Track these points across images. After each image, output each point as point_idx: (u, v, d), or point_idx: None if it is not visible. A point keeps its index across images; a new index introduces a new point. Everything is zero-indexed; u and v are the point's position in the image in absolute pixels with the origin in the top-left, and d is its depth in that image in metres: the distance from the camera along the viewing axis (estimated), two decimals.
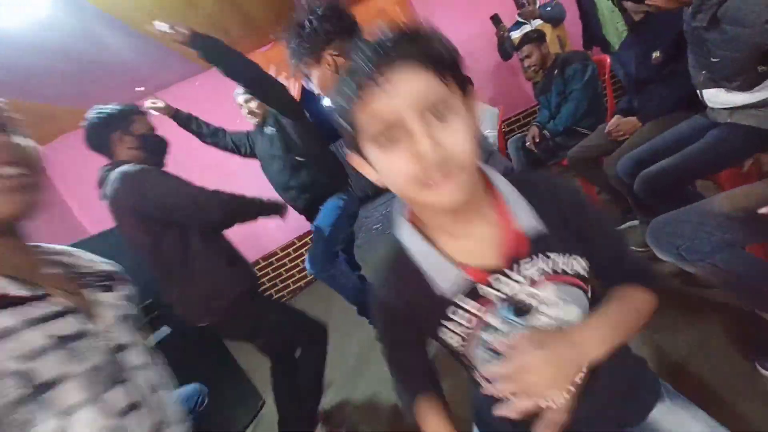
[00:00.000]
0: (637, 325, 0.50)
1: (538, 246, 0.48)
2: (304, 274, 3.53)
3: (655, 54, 1.52)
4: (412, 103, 0.40)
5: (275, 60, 3.44)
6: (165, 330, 1.59)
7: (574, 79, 2.04)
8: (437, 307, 0.49)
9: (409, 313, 0.53)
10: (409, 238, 0.51)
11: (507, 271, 0.48)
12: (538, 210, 0.49)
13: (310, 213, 1.86)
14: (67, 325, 0.51)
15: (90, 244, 1.61)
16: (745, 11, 0.94)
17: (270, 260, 3.45)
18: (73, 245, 1.08)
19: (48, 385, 0.45)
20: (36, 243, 0.59)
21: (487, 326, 0.49)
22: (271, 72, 3.40)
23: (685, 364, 1.11)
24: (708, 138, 1.21)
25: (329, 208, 1.74)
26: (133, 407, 0.54)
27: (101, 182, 1.29)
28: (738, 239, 0.87)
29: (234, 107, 3.34)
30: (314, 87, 1.16)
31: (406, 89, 0.40)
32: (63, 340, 0.49)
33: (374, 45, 0.41)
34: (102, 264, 0.69)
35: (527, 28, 2.90)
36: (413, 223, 0.51)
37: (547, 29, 2.77)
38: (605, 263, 0.53)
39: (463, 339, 0.50)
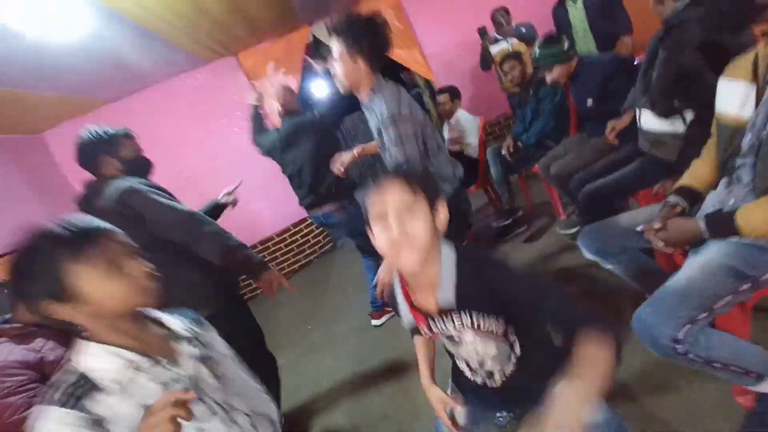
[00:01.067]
0: (599, 378, 0.55)
1: (457, 307, 0.73)
2: (298, 258, 3.79)
3: (589, 101, 1.87)
4: (394, 206, 0.67)
5: (274, 56, 3.60)
6: None
7: (545, 100, 2.33)
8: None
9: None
10: (395, 284, 0.84)
11: (438, 318, 0.76)
12: (463, 283, 0.72)
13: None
14: (169, 374, 0.68)
15: None
16: (687, 35, 1.22)
17: (266, 245, 3.68)
18: None
19: None
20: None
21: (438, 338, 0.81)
22: (270, 68, 3.59)
23: None
24: (633, 165, 1.53)
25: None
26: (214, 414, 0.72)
27: (90, 195, 1.40)
28: (635, 246, 1.18)
29: (229, 98, 3.56)
30: (339, 80, 1.31)
31: (393, 196, 0.67)
32: (166, 385, 0.66)
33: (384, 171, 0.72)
34: (185, 327, 0.79)
35: (504, 44, 3.17)
36: (398, 275, 0.82)
37: (522, 47, 3.04)
38: (549, 318, 0.70)
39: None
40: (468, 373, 0.85)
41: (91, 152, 1.39)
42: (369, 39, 1.25)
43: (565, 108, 2.37)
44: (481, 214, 3.13)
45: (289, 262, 3.77)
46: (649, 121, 1.47)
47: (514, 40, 3.07)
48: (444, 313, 0.75)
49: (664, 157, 1.42)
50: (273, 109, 2.48)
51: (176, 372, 0.69)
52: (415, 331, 0.86)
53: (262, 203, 3.60)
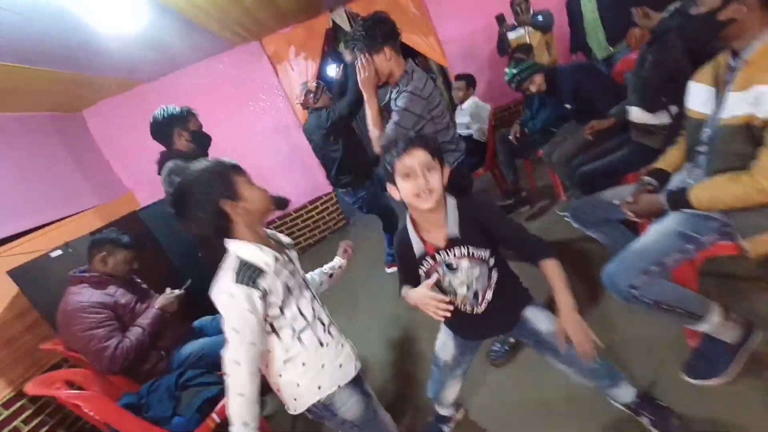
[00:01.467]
0: (563, 282, 0.93)
1: (457, 242, 0.98)
2: (314, 233, 4.06)
3: (567, 106, 2.17)
4: (420, 164, 0.92)
5: (295, 41, 3.77)
6: None
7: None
8: (415, 259, 1.04)
9: (405, 258, 1.07)
10: (408, 227, 1.04)
11: (443, 250, 1.00)
12: (463, 221, 0.98)
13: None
14: (290, 267, 0.99)
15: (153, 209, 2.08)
16: (671, 43, 1.42)
17: (284, 219, 3.95)
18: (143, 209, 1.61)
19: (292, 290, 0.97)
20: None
21: (438, 271, 1.04)
22: (291, 52, 3.76)
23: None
24: (623, 151, 1.73)
25: None
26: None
27: (160, 165, 1.74)
28: (615, 217, 1.39)
29: (253, 81, 3.74)
30: (363, 69, 1.51)
31: (419, 158, 0.92)
32: (291, 273, 0.98)
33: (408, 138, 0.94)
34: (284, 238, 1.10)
35: (521, 31, 3.30)
36: (411, 220, 1.04)
37: (537, 35, 3.17)
38: (516, 245, 1.01)
39: (426, 275, 1.05)
40: (458, 303, 1.08)
41: (166, 126, 1.68)
42: (385, 31, 1.47)
43: None
44: (488, 194, 3.34)
45: (305, 236, 4.04)
46: (638, 115, 1.66)
47: (531, 29, 3.20)
48: (449, 245, 1.00)
49: (650, 144, 1.61)
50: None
51: (292, 266, 1.01)
52: (406, 280, 1.11)
53: (282, 181, 3.83)
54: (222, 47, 3.50)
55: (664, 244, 1.06)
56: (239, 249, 0.92)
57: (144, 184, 3.62)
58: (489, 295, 1.06)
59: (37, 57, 2.18)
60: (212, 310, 0.99)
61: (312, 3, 3.33)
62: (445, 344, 1.22)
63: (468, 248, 0.99)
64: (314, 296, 1.06)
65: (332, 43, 4.52)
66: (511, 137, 2.73)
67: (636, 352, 1.37)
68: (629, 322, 1.49)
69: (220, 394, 1.42)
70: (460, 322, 1.14)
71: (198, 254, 2.20)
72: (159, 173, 1.76)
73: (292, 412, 1.02)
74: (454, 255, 1.00)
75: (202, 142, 1.80)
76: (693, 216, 1.07)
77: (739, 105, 0.95)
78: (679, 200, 1.08)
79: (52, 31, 1.99)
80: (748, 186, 0.94)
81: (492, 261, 1.02)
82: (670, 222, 1.10)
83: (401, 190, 0.95)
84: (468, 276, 1.02)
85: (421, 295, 1.00)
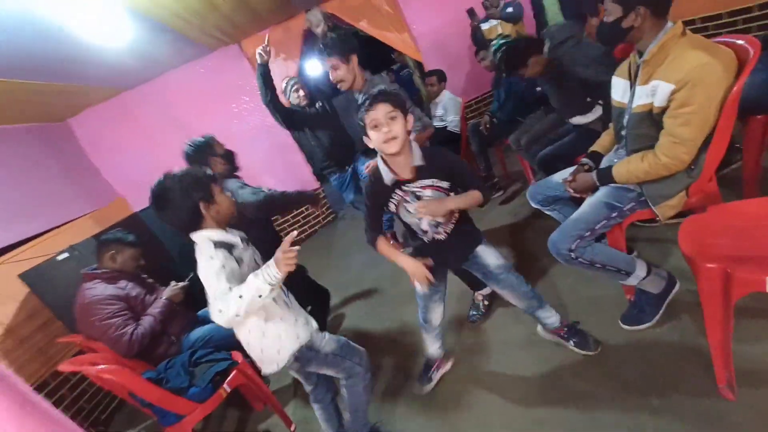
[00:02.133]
0: (472, 203, 1.22)
1: (422, 171, 1.20)
2: (304, 228, 4.22)
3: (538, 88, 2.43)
4: (383, 116, 1.12)
5: (273, 42, 3.88)
6: None
7: (517, 84, 2.73)
8: (387, 191, 1.24)
9: (377, 193, 1.26)
10: (380, 163, 1.23)
11: (410, 182, 1.22)
12: (427, 161, 1.20)
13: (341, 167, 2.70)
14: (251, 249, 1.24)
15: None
16: (580, 55, 1.68)
17: (275, 216, 4.10)
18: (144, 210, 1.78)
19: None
20: None
21: (406, 201, 1.25)
22: (270, 53, 3.90)
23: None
24: (571, 136, 1.99)
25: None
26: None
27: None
28: (565, 196, 1.62)
29: (234, 83, 3.86)
30: (334, 74, 1.80)
31: (382, 111, 1.12)
32: (254, 252, 1.23)
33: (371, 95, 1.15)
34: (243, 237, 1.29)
35: (494, 22, 3.51)
36: (382, 159, 1.23)
37: (508, 26, 3.38)
38: (463, 182, 1.25)
39: (396, 206, 1.27)
40: (422, 233, 1.32)
41: (201, 157, 1.84)
42: (353, 44, 1.77)
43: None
44: None
45: (299, 227, 4.21)
46: (577, 119, 1.96)
47: (502, 22, 3.40)
48: (415, 176, 1.22)
49: (596, 128, 1.86)
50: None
51: (251, 250, 1.25)
52: (373, 224, 1.33)
53: (268, 179, 3.96)
54: (202, 52, 3.60)
55: (593, 214, 1.29)
56: (210, 234, 1.14)
57: (134, 188, 3.74)
58: (449, 227, 1.29)
59: (20, 70, 2.25)
60: None
61: (285, 4, 3.45)
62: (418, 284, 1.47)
63: (431, 179, 1.22)
64: None
65: (310, 42, 4.65)
66: (481, 128, 2.95)
67: (588, 309, 1.62)
68: (585, 287, 1.74)
69: (230, 367, 1.62)
70: (425, 251, 1.35)
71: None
72: None
73: (275, 368, 1.21)
74: (420, 186, 1.22)
75: (231, 159, 1.97)
76: (616, 189, 1.31)
77: (642, 96, 1.18)
78: (605, 176, 1.31)
79: (35, 45, 2.06)
80: (653, 162, 1.17)
81: (451, 193, 1.26)
82: (599, 195, 1.33)
83: (372, 139, 1.16)
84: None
85: (412, 264, 1.24)
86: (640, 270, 1.33)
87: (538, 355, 1.51)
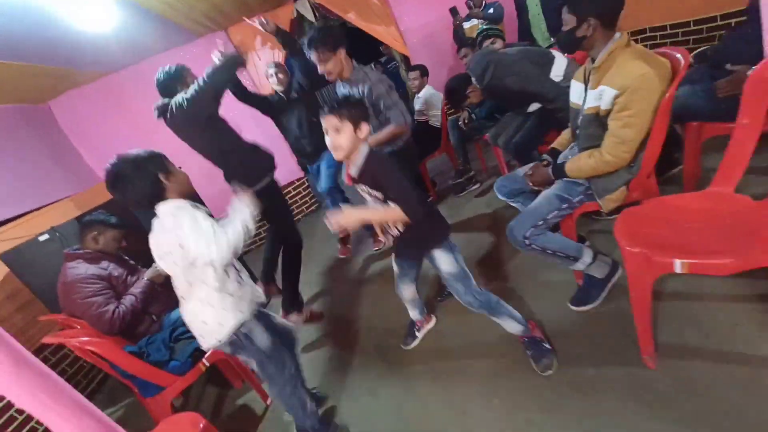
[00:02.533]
0: (388, 218, 1.30)
1: (360, 180, 1.28)
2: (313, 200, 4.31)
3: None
4: (330, 126, 1.21)
5: (261, 30, 3.89)
6: None
7: None
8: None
9: None
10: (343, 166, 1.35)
11: (356, 183, 1.32)
12: (363, 170, 1.25)
13: (311, 159, 2.76)
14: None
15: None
16: (503, 72, 1.85)
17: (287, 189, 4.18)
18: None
19: None
20: None
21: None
22: (257, 41, 3.91)
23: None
24: (533, 119, 2.21)
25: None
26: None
27: (162, 111, 2.00)
28: (527, 189, 1.74)
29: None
30: (322, 67, 1.89)
31: (329, 123, 1.21)
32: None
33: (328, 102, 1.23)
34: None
35: (475, 21, 3.60)
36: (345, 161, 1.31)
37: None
38: (389, 196, 1.25)
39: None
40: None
41: (170, 84, 1.98)
42: (340, 36, 1.84)
43: None
44: (444, 175, 3.69)
45: (307, 203, 4.32)
46: (531, 107, 2.22)
47: (484, 23, 3.50)
48: (355, 181, 1.32)
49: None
50: (265, 83, 2.90)
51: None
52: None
53: None
54: (188, 38, 3.60)
55: (546, 205, 1.42)
56: (176, 203, 1.22)
57: None
58: (399, 226, 1.36)
59: (4, 50, 2.27)
60: None
61: None
62: (393, 261, 1.64)
63: (367, 188, 1.31)
64: None
65: (297, 32, 4.67)
66: (460, 123, 3.06)
67: (544, 292, 1.76)
68: (542, 273, 1.88)
69: None
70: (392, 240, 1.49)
71: None
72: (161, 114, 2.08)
73: (214, 342, 1.29)
74: (361, 189, 1.34)
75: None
76: (567, 182, 1.44)
77: (592, 99, 1.30)
78: (559, 171, 1.44)
79: (18, 26, 2.05)
80: (599, 159, 1.30)
81: (388, 202, 1.29)
82: (552, 188, 1.46)
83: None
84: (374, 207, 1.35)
85: (345, 215, 1.29)
86: (587, 256, 1.47)
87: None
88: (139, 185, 1.18)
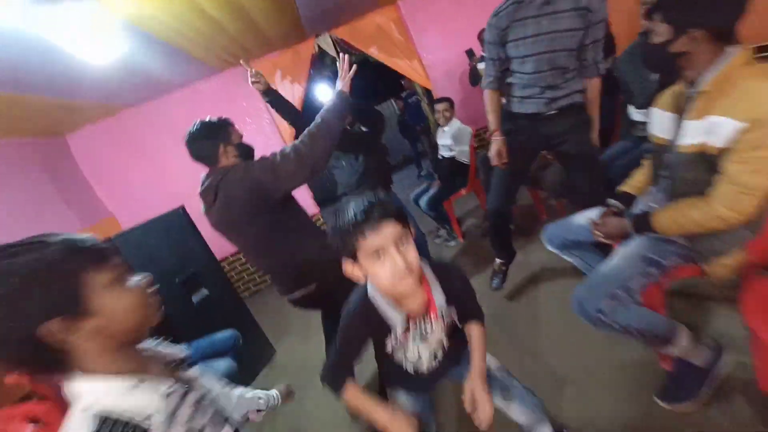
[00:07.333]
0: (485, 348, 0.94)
1: (435, 306, 0.89)
2: None
3: None
4: (392, 239, 0.76)
5: (281, 65, 3.85)
6: (204, 292, 2.09)
7: None
8: (385, 330, 0.90)
9: (367, 334, 0.92)
10: (379, 299, 0.87)
11: (421, 318, 0.90)
12: (445, 287, 0.89)
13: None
14: (193, 396, 0.66)
15: (127, 235, 2.04)
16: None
17: (238, 256, 3.90)
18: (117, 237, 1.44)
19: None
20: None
21: (407, 342, 0.93)
22: (277, 76, 3.81)
23: None
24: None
25: None
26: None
27: (209, 190, 1.38)
28: (586, 240, 1.39)
29: (239, 105, 3.77)
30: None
31: (389, 232, 0.76)
32: (197, 405, 0.65)
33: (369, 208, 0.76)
34: (175, 351, 0.73)
35: None
36: (379, 292, 0.87)
37: None
38: (467, 310, 0.98)
39: (392, 348, 0.94)
40: (420, 368, 0.99)
41: (209, 142, 1.38)
42: None
43: None
44: (473, 215, 3.37)
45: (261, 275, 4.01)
46: None
47: None
48: (432, 313, 0.90)
49: None
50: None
51: (197, 393, 0.68)
52: (344, 363, 0.93)
53: None
54: (208, 72, 3.55)
55: (628, 268, 1.07)
56: (90, 395, 0.55)
57: (125, 208, 3.62)
58: (440, 355, 0.99)
59: (19, 84, 2.19)
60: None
61: (297, 30, 3.41)
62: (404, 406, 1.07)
63: (445, 309, 0.93)
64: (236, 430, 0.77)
65: (318, 67, 4.62)
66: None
67: (612, 375, 1.37)
68: (607, 346, 1.49)
69: None
70: (412, 383, 1.05)
71: (175, 280, 2.13)
72: (205, 194, 1.44)
73: None
74: (432, 323, 0.91)
75: (248, 154, 1.49)
76: (656, 240, 1.09)
77: (694, 133, 0.98)
78: (642, 224, 1.10)
79: (35, 58, 1.99)
80: (706, 212, 0.97)
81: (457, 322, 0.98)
82: (635, 246, 1.12)
83: (373, 272, 0.79)
84: (436, 343, 0.96)
85: (397, 424, 0.84)
86: (684, 338, 1.10)
87: None
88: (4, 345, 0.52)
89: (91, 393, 0.55)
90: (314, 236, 1.49)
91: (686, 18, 0.92)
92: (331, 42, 3.88)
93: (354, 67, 1.52)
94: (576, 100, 1.64)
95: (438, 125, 3.19)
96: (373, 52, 3.92)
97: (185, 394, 0.64)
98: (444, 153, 3.06)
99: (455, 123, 3.02)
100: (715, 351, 1.15)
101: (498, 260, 2.13)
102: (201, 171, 1.47)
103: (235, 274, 3.96)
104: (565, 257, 1.51)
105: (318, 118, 1.39)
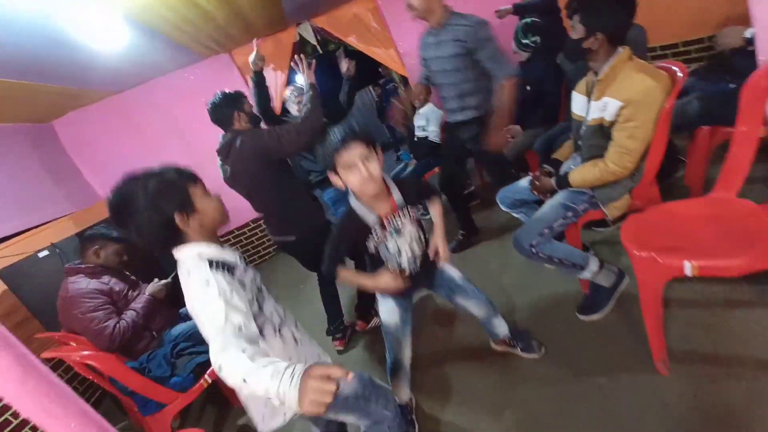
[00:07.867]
0: (442, 217, 1.33)
1: (402, 207, 1.22)
2: (271, 244, 4.20)
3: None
4: (359, 156, 1.09)
5: (264, 53, 4.00)
6: None
7: None
8: (365, 230, 1.22)
9: (352, 234, 1.23)
10: (356, 204, 1.19)
11: (391, 216, 1.22)
12: (402, 191, 1.22)
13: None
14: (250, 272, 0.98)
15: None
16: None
17: (243, 230, 4.12)
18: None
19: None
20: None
21: (386, 238, 1.26)
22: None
23: None
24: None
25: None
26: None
27: (224, 147, 1.79)
28: (530, 199, 1.75)
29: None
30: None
31: (357, 151, 1.08)
32: (255, 274, 1.00)
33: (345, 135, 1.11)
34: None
35: None
36: (355, 197, 1.20)
37: None
38: (427, 194, 1.34)
39: (375, 244, 1.25)
40: (403, 266, 1.29)
41: (228, 110, 1.78)
42: None
43: None
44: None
45: (264, 245, 4.24)
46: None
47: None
48: (396, 211, 1.22)
49: None
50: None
51: (252, 272, 1.00)
52: (336, 257, 1.24)
53: None
54: (193, 59, 3.68)
55: (551, 213, 1.44)
56: (201, 250, 0.88)
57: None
58: (419, 252, 1.32)
59: (7, 69, 2.25)
60: None
61: (277, 18, 3.59)
62: (390, 310, 1.37)
63: (408, 209, 1.24)
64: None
65: (299, 54, 4.80)
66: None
67: (550, 303, 1.76)
68: (543, 284, 1.88)
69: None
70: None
71: None
72: (222, 150, 1.84)
73: (280, 421, 0.99)
74: (401, 219, 1.23)
75: (257, 122, 1.94)
76: (571, 192, 1.46)
77: (595, 110, 1.34)
78: (562, 181, 1.46)
79: (23, 45, 2.05)
80: (602, 169, 1.33)
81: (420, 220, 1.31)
82: (557, 197, 1.48)
83: (347, 181, 1.11)
84: (410, 236, 1.27)
85: (384, 279, 1.17)
86: (594, 264, 1.48)
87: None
88: (146, 230, 0.85)
89: (200, 250, 0.89)
90: (300, 197, 1.93)
91: (597, 23, 1.25)
92: (312, 31, 4.07)
93: (313, 62, 1.98)
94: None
95: (414, 108, 3.49)
96: (352, 41, 4.14)
97: (247, 267, 0.99)
98: (419, 133, 3.38)
99: (429, 106, 3.33)
100: (618, 275, 1.54)
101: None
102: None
103: (240, 246, 4.15)
104: (514, 215, 1.87)
105: (304, 109, 1.81)
